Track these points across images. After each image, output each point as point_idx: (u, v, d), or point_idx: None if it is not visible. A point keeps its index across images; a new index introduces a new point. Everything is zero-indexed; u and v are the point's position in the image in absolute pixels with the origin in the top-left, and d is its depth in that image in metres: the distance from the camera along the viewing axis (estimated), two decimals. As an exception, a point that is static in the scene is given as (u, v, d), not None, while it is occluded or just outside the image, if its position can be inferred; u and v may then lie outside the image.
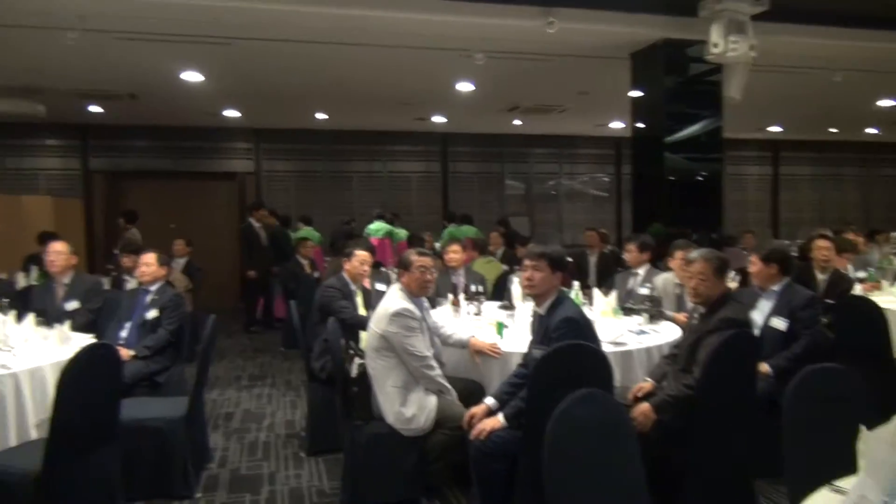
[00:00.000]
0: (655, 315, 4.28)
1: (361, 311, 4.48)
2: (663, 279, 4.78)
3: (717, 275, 3.10)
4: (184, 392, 3.92)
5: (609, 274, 6.34)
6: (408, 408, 3.23)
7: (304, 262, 7.62)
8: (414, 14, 5.49)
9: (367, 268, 4.65)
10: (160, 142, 10.90)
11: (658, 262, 5.26)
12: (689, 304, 3.91)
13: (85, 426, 2.87)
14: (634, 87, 6.88)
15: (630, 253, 5.27)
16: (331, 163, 11.64)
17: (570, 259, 7.74)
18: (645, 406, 3.01)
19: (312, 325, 4.47)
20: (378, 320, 3.31)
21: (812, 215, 13.29)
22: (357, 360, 3.40)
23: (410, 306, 3.31)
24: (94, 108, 9.23)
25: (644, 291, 4.76)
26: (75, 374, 2.75)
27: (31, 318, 3.99)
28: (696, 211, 6.46)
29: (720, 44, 5.62)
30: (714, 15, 5.66)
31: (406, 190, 11.91)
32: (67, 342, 3.68)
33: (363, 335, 3.85)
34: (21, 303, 4.51)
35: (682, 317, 4.29)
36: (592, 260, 7.60)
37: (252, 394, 5.56)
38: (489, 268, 6.53)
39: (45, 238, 7.02)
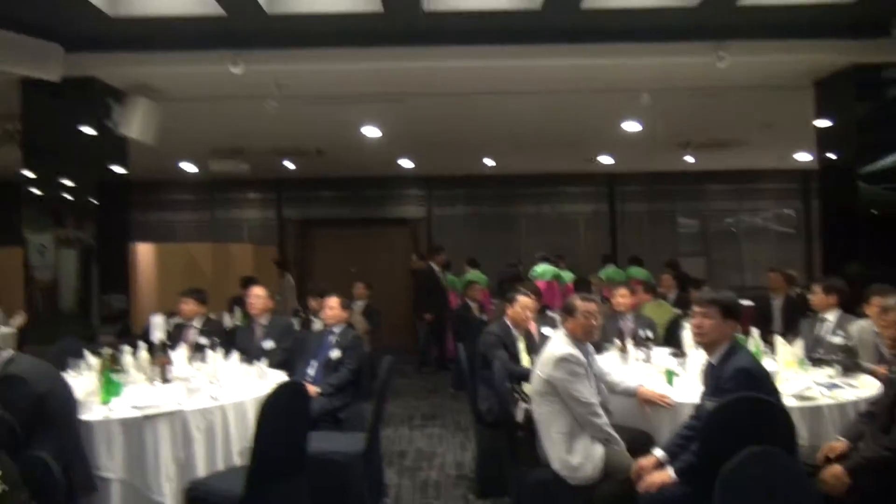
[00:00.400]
0: (850, 367, 3.88)
1: (524, 357, 4.53)
2: (859, 327, 4.33)
3: None
4: (362, 428, 4.18)
5: (796, 320, 5.82)
6: (574, 455, 3.21)
7: (473, 305, 7.83)
8: (579, 60, 5.58)
9: (529, 313, 4.69)
10: (342, 191, 11.88)
11: (855, 306, 4.77)
12: (889, 355, 3.51)
13: (280, 456, 3.19)
14: (820, 117, 6.40)
15: (815, 295, 4.84)
16: (498, 207, 11.94)
17: (747, 304, 7.31)
18: (837, 469, 2.75)
19: (478, 371, 4.59)
20: (543, 365, 3.34)
21: None
22: (522, 405, 3.45)
23: (575, 352, 3.32)
24: (288, 164, 10.30)
25: (836, 340, 4.35)
26: (273, 408, 3.09)
27: (235, 355, 4.52)
28: (892, 249, 5.80)
29: (921, 65, 5.11)
30: (911, 34, 5.18)
31: (573, 231, 11.86)
32: (265, 378, 4.12)
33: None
34: (227, 341, 5.11)
35: (882, 369, 3.85)
36: (777, 304, 7.02)
37: (424, 433, 5.79)
38: (660, 311, 6.30)
39: (248, 282, 7.93)
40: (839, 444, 3.00)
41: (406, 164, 10.61)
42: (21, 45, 4.77)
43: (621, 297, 5.61)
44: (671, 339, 5.25)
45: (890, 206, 5.91)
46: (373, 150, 9.06)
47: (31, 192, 5.57)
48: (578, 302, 3.45)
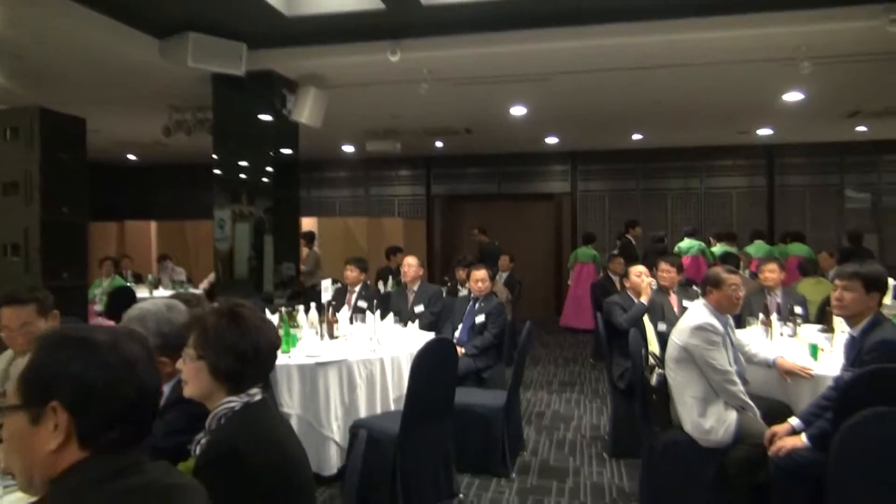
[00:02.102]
0: None
1: (649, 328, 4.67)
2: None
3: None
4: (504, 387, 4.53)
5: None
6: (707, 419, 3.32)
7: (615, 278, 7.89)
8: (732, 31, 5.42)
9: (649, 281, 4.91)
10: (488, 168, 12.24)
11: None
12: None
13: (430, 402, 3.60)
14: None
15: None
16: (645, 181, 11.73)
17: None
18: None
19: (613, 338, 4.77)
20: (680, 333, 3.46)
21: None
22: (657, 370, 3.60)
23: (714, 321, 3.40)
24: (437, 143, 10.81)
25: None
26: (425, 360, 3.49)
27: (391, 317, 5.03)
28: None
29: None
30: None
31: (724, 206, 11.40)
32: (417, 337, 4.57)
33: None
34: (383, 306, 5.65)
35: None
36: (954, 284, 6.46)
37: (562, 397, 6.04)
38: (817, 289, 6.05)
39: (392, 251, 8.62)
40: None
41: (551, 140, 10.74)
42: (212, 45, 5.51)
43: (770, 273, 5.48)
44: (824, 316, 5.07)
45: None
46: (519, 127, 9.29)
47: (219, 173, 6.42)
48: (725, 275, 3.52)
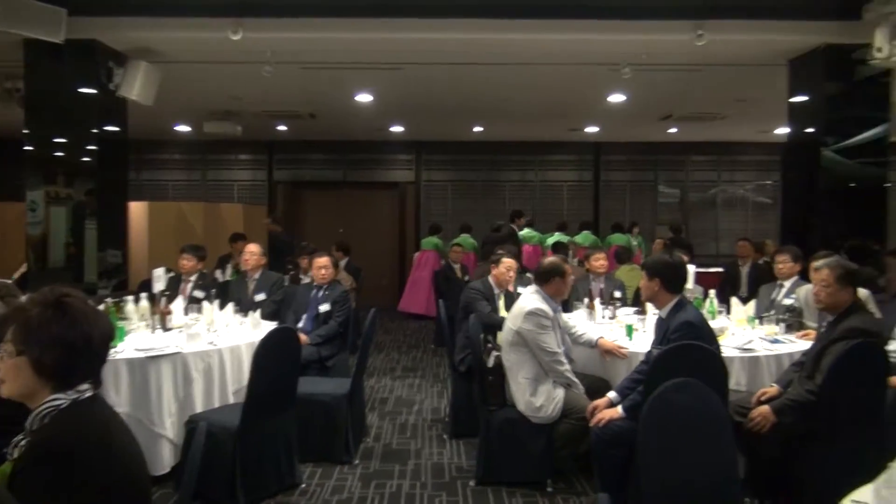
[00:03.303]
0: (794, 325, 4.27)
1: (503, 313, 4.87)
2: (806, 290, 4.69)
3: (840, 283, 3.15)
4: (347, 376, 4.55)
5: (761, 285, 6.21)
6: (537, 398, 3.58)
7: (456, 267, 8.18)
8: (563, 35, 5.79)
9: (512, 274, 4.99)
10: (333, 155, 12.09)
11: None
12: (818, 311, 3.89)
13: (272, 393, 3.54)
14: (793, 94, 6.67)
15: (784, 264, 5.19)
16: (485, 172, 12.21)
17: (717, 270, 7.68)
18: (765, 408, 3.13)
19: (458, 323, 4.95)
20: (514, 318, 3.69)
21: None
22: (494, 353, 3.80)
23: (545, 307, 3.66)
24: (281, 127, 10.50)
25: (787, 302, 4.73)
26: (266, 350, 3.42)
27: (230, 306, 4.85)
28: (854, 221, 6.14)
29: (884, 48, 5.36)
30: (879, 18, 5.41)
31: (557, 198, 12.18)
32: (258, 327, 4.45)
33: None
34: (221, 295, 5.43)
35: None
36: (745, 271, 7.43)
37: (405, 383, 6.18)
38: (632, 275, 6.66)
39: (235, 238, 8.23)
40: (772, 388, 3.38)
41: (397, 129, 10.84)
42: (25, 6, 4.95)
43: (598, 261, 5.95)
44: (638, 300, 5.62)
45: (847, 181, 6.22)
46: (365, 115, 9.28)
47: (32, 150, 5.79)
48: (564, 266, 3.80)
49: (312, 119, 9.64)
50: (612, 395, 3.37)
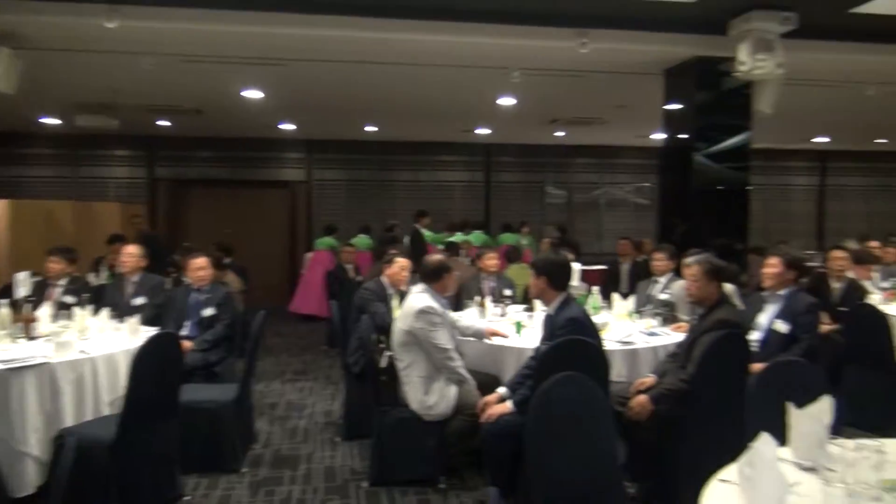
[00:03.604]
0: (668, 318, 4.54)
1: (396, 313, 4.85)
2: (679, 285, 5.02)
3: (708, 278, 3.39)
4: (235, 381, 4.38)
5: (640, 280, 6.57)
6: (430, 396, 3.60)
7: (348, 267, 8.08)
8: (451, 37, 5.86)
9: (406, 274, 4.93)
10: (220, 152, 11.63)
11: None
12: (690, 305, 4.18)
13: (151, 403, 3.34)
14: (668, 102, 7.09)
15: (660, 262, 5.51)
16: (378, 172, 12.17)
17: (600, 268, 8.04)
18: (642, 397, 3.31)
19: (351, 324, 4.88)
20: (404, 318, 3.69)
21: (859, 226, 13.08)
22: (386, 353, 3.79)
23: (435, 304, 3.69)
24: (163, 122, 9.96)
25: (663, 297, 5.03)
26: (146, 357, 3.23)
27: (105, 312, 4.54)
28: (721, 221, 6.62)
29: (746, 62, 5.79)
30: (742, 34, 5.85)
31: (449, 198, 12.33)
32: (136, 333, 4.19)
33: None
34: (95, 299, 5.07)
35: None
36: (625, 268, 7.83)
37: (295, 387, 6.04)
38: (522, 274, 6.84)
39: (115, 239, 7.72)
40: (648, 378, 3.58)
41: (287, 126, 10.58)
42: None
43: (491, 260, 6.06)
44: (527, 297, 5.79)
45: (715, 184, 6.69)
46: (253, 111, 8.97)
47: None
48: (448, 263, 3.85)
49: (198, 115, 9.23)
50: (502, 390, 3.44)
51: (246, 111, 8.92)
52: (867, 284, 5.47)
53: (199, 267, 4.85)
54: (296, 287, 10.27)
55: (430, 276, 3.81)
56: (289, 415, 5.17)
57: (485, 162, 12.50)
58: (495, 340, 4.04)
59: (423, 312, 3.62)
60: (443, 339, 3.63)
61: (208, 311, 4.81)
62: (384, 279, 4.95)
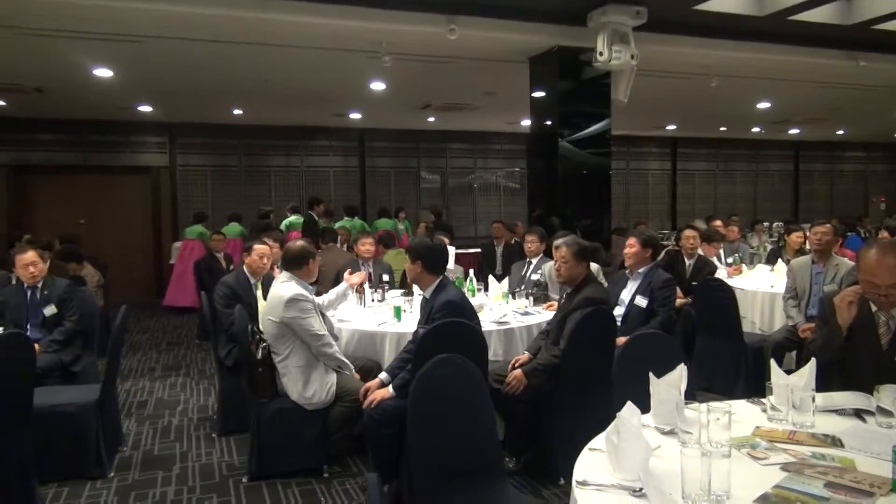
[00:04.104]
0: (540, 298, 4.75)
1: (262, 303, 4.69)
2: (549, 266, 5.27)
3: (576, 258, 3.58)
4: (97, 381, 4.09)
5: (513, 263, 6.82)
6: (310, 385, 3.55)
7: (219, 255, 7.75)
8: (320, 19, 5.73)
9: (266, 261, 4.75)
10: (69, 135, 10.67)
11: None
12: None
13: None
14: (533, 89, 7.35)
15: (532, 244, 5.73)
16: (248, 157, 11.71)
17: (475, 251, 8.25)
18: (518, 372, 3.46)
19: (223, 315, 4.68)
20: (273, 309, 3.57)
21: (706, 207, 14.31)
22: (262, 344, 3.68)
23: (303, 291, 3.61)
24: (-2, 102, 9.01)
25: (535, 277, 5.25)
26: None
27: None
28: (586, 204, 7.00)
29: (605, 52, 6.14)
30: (600, 26, 6.18)
31: (324, 184, 12.12)
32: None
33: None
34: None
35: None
36: (499, 250, 8.09)
37: (166, 383, 5.73)
38: (399, 259, 6.88)
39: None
40: (524, 356, 3.73)
41: (145, 108, 9.89)
42: None
43: (366, 246, 6.03)
44: (407, 283, 5.84)
45: (579, 169, 7.04)
46: (106, 91, 8.32)
47: None
48: (313, 249, 3.78)
49: (40, 94, 8.42)
50: (383, 376, 3.46)
51: (96, 91, 8.26)
52: (714, 260, 6.00)
53: (28, 263, 4.42)
54: (164, 279, 9.71)
55: (292, 263, 3.70)
56: (159, 413, 4.90)
57: (359, 147, 12.38)
58: (369, 324, 4.04)
59: (294, 300, 3.53)
60: (316, 325, 3.57)
61: (50, 310, 4.42)
62: (245, 269, 4.77)
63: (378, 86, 8.44)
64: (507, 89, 8.59)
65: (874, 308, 2.44)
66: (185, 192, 11.37)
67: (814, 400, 2.09)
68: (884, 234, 7.96)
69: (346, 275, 4.16)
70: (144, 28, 5.77)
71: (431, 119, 11.29)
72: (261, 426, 3.58)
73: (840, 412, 2.15)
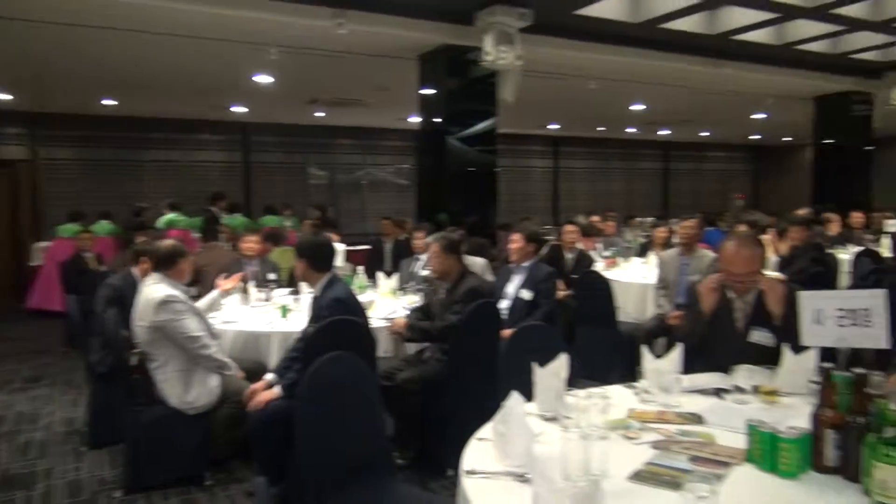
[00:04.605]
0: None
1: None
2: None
3: (446, 252, 3.67)
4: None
5: (402, 259, 6.83)
6: (191, 390, 3.39)
7: (88, 256, 7.23)
8: (198, 6, 5.48)
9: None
10: None
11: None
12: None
13: None
14: (423, 86, 7.40)
15: (420, 240, 5.77)
16: (121, 151, 11.03)
17: (364, 248, 8.23)
18: (403, 321, 3.68)
19: (95, 320, 4.37)
20: (144, 313, 3.37)
21: (586, 203, 15.00)
22: (137, 350, 3.47)
23: (175, 292, 3.44)
24: None
25: (424, 273, 5.28)
26: None
27: None
28: (473, 200, 7.14)
29: (491, 52, 6.28)
30: (486, 26, 6.31)
31: (205, 179, 11.60)
32: None
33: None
34: None
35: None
36: (388, 247, 8.07)
37: (27, 396, 5.27)
38: (285, 256, 6.70)
39: None
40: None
41: (3, 96, 9.05)
42: None
43: (250, 244, 5.82)
44: (294, 280, 5.70)
45: (467, 166, 7.17)
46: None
47: None
48: (183, 248, 3.61)
49: None
50: (269, 376, 3.35)
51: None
52: (592, 254, 6.30)
53: None
54: (28, 282, 8.93)
55: (163, 262, 3.51)
56: (19, 429, 4.49)
57: (243, 141, 11.96)
58: (254, 325, 3.93)
59: (165, 303, 3.35)
60: (191, 326, 3.40)
61: None
62: (135, 271, 4.50)
63: (263, 79, 8.19)
64: (397, 86, 8.59)
65: (731, 295, 2.65)
66: (51, 187, 10.53)
67: (680, 381, 2.25)
68: (741, 227, 8.66)
69: (217, 280, 3.98)
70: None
71: (320, 114, 11.10)
72: (136, 435, 3.38)
73: (702, 391, 2.33)
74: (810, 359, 2.23)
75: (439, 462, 3.53)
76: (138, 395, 3.41)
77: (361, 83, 8.72)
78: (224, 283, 4.00)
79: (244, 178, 11.98)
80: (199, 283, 5.91)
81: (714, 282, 2.67)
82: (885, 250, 6.97)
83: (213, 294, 3.94)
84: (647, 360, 2.34)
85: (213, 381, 3.44)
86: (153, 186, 11.08)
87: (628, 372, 2.49)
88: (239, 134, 11.88)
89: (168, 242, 3.63)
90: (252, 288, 4.88)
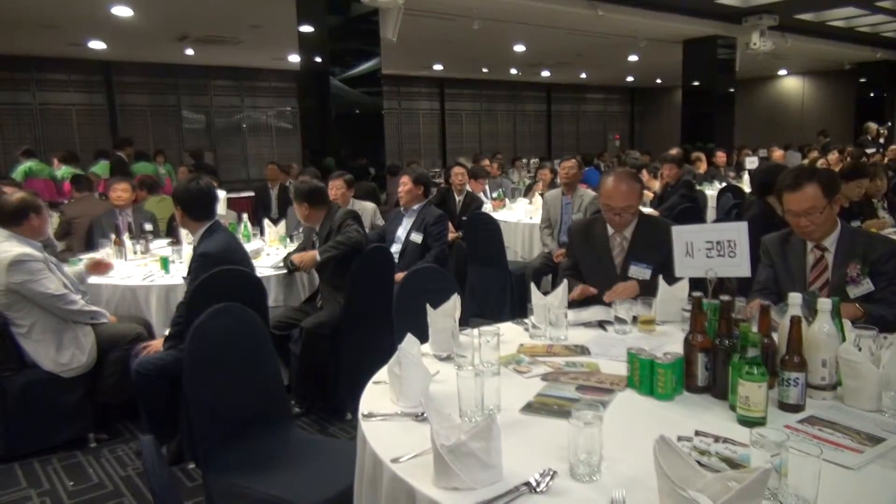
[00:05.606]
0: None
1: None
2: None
3: (304, 203, 3.75)
4: None
5: (288, 205, 6.63)
6: (64, 351, 3.18)
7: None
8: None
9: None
10: None
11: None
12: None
13: None
14: (301, 23, 7.07)
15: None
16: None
17: (247, 195, 7.93)
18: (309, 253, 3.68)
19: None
20: None
21: (472, 145, 15.16)
22: (-1, 314, 3.19)
23: (29, 249, 3.15)
24: None
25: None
26: None
27: None
28: (360, 144, 7.02)
29: (368, -14, 6.08)
30: (368, -39, 6.09)
31: (65, 124, 10.63)
32: None
33: None
34: None
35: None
36: (274, 193, 7.82)
37: None
38: (163, 206, 6.33)
39: None
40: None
41: None
42: None
43: (119, 192, 5.45)
44: (172, 230, 5.40)
45: (352, 108, 7.00)
46: None
47: None
48: (39, 203, 3.30)
49: None
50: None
51: None
52: (480, 195, 6.40)
53: None
54: None
55: (9, 219, 3.19)
56: None
57: (105, 82, 11.00)
58: (131, 279, 3.72)
59: (17, 263, 3.05)
60: (52, 285, 3.13)
61: None
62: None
63: (122, 10, 7.50)
64: (272, 23, 8.15)
65: (611, 231, 2.79)
66: None
67: (566, 316, 2.36)
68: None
69: (86, 260, 3.68)
70: None
71: (190, 52, 10.37)
72: (6, 403, 3.14)
73: (587, 324, 2.46)
74: (683, 289, 2.41)
75: (338, 407, 3.55)
76: (4, 361, 3.15)
77: (234, 19, 8.21)
78: (96, 268, 3.62)
79: (110, 121, 11.08)
80: (71, 235, 5.49)
81: (579, 295, 2.69)
82: (745, 186, 7.57)
83: (78, 271, 3.57)
84: (536, 296, 2.43)
85: (89, 339, 3.24)
86: (6, 132, 10.04)
87: (518, 309, 2.58)
88: (100, 74, 10.91)
89: (16, 196, 3.28)
90: (127, 239, 4.59)
